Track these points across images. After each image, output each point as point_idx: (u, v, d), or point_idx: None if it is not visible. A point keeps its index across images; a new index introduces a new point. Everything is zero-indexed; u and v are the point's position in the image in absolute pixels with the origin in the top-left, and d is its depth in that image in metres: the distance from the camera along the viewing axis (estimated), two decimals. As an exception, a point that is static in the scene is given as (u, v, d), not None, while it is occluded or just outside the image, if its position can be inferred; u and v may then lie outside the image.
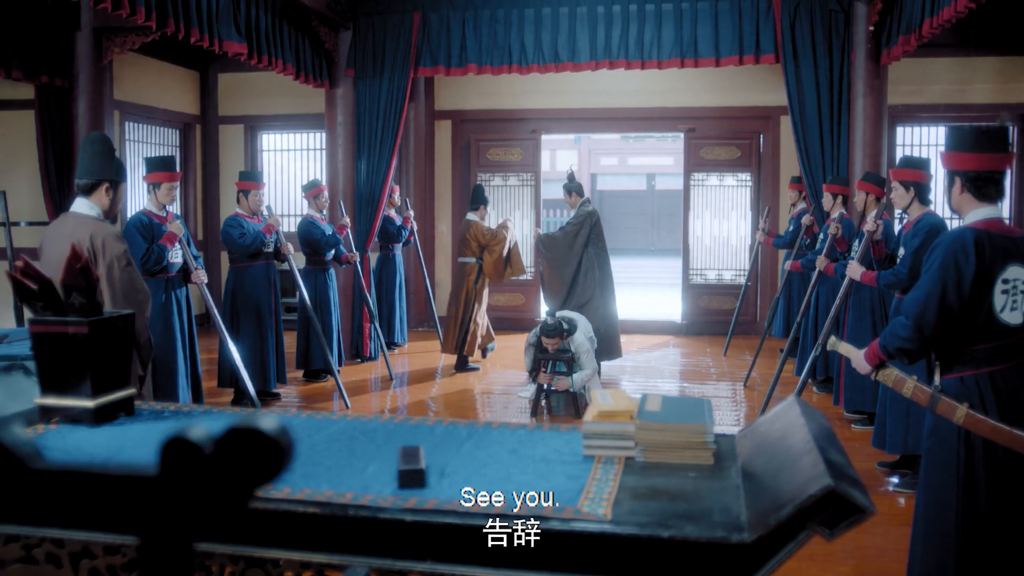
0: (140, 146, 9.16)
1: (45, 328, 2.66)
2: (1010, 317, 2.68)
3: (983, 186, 2.75)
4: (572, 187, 7.00)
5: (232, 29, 6.21)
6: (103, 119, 7.31)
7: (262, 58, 6.71)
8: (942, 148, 2.87)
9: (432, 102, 9.80)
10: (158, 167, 5.27)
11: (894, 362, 2.86)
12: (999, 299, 2.67)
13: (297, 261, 6.56)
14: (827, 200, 6.54)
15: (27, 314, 2.91)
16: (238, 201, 6.41)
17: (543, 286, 6.97)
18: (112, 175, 3.54)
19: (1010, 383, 2.71)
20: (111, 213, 3.55)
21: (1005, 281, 2.67)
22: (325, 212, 7.25)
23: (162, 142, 9.59)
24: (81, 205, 3.47)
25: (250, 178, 6.50)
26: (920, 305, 2.71)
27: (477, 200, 7.56)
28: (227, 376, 6.18)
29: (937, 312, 2.67)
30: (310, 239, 6.94)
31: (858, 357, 2.93)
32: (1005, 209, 8.98)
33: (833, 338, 3.16)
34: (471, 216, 7.49)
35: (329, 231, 7.03)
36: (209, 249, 9.98)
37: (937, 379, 2.82)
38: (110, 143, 3.61)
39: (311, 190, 7.10)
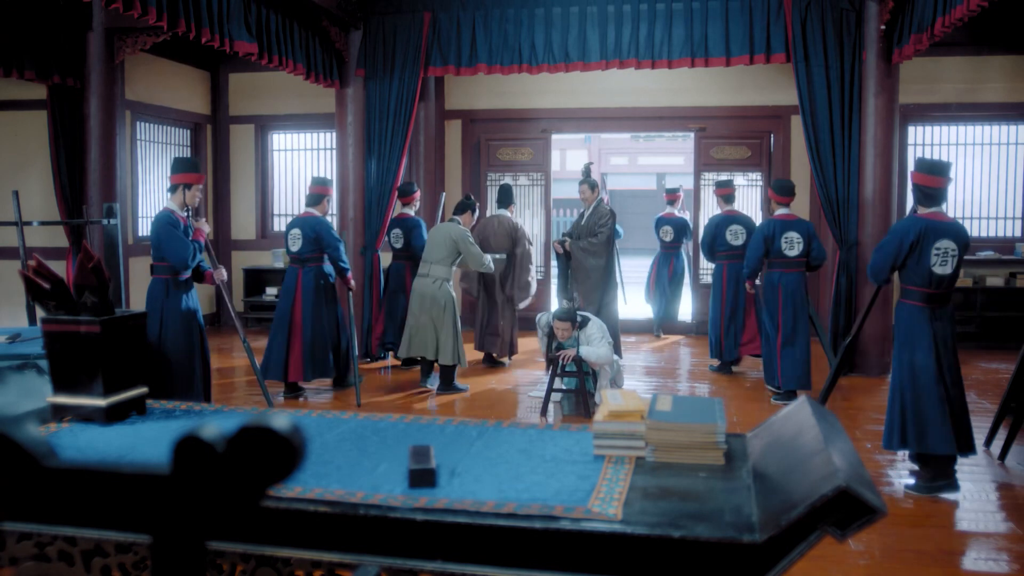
0: (151, 146, 9.20)
1: (58, 327, 2.67)
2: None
3: None
4: (593, 182, 7.10)
5: (243, 29, 6.24)
6: (114, 119, 7.33)
7: (272, 58, 6.73)
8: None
9: (442, 102, 9.79)
10: (189, 168, 5.24)
11: None
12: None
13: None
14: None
15: (40, 313, 2.94)
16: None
17: (577, 290, 6.74)
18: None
19: None
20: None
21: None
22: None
23: (173, 142, 9.63)
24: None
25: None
26: None
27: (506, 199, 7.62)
28: (275, 369, 6.16)
29: None
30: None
31: None
32: (1014, 211, 8.93)
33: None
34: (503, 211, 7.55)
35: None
36: (220, 249, 10.00)
37: None
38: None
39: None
